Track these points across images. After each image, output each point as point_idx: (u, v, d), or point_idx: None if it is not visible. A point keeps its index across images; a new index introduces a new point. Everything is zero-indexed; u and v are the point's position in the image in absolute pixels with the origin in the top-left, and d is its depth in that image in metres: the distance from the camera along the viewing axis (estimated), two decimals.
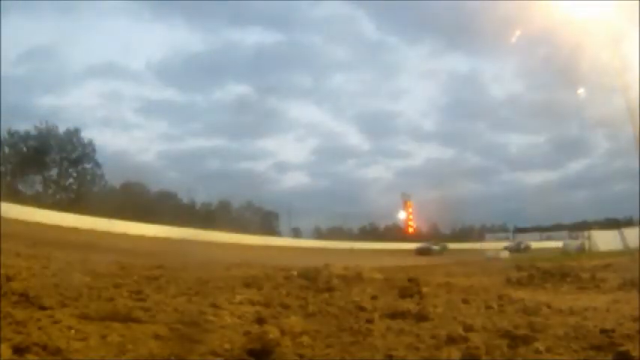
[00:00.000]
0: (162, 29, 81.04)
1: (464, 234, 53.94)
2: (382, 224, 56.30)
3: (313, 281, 6.29)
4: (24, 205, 24.97)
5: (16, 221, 18.44)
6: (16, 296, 3.28)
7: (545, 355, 2.64)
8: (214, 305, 3.83)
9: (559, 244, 31.48)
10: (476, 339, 2.82)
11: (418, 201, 52.26)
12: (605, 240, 25.79)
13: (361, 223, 53.54)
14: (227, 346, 2.61)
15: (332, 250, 31.66)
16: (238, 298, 4.47)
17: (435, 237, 49.14)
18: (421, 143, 76.81)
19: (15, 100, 44.21)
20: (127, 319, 2.94)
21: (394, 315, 3.84)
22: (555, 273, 9.15)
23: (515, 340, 2.81)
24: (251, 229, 39.11)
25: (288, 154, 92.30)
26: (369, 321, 3.50)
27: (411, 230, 51.51)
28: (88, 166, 41.43)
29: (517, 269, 10.99)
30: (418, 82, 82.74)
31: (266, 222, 48.29)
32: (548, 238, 44.24)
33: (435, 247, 39.27)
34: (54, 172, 40.28)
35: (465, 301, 5.01)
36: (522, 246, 39.50)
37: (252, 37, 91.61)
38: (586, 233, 28.90)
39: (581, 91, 24.44)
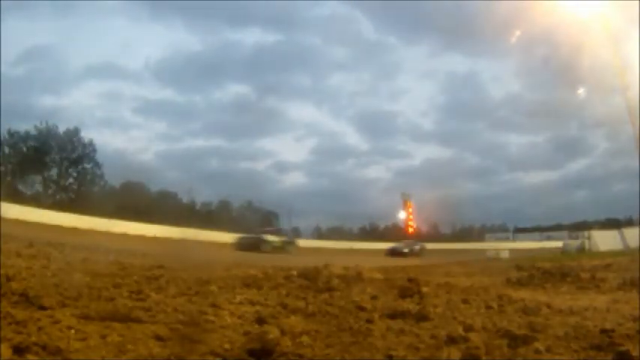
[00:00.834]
0: (161, 29, 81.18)
1: (464, 234, 53.91)
2: (382, 224, 56.32)
3: (313, 281, 6.28)
4: (24, 205, 24.97)
5: (16, 221, 18.43)
6: (16, 296, 3.28)
7: (545, 355, 2.64)
8: (214, 305, 3.83)
9: (559, 244, 31.45)
10: (476, 339, 2.82)
11: (418, 201, 52.32)
12: (605, 240, 25.78)
13: (361, 223, 53.60)
14: (227, 346, 2.62)
15: (332, 250, 31.64)
16: (238, 298, 4.47)
17: (435, 237, 49.10)
18: (420, 143, 76.91)
19: (14, 100, 44.28)
20: (127, 319, 2.94)
21: (394, 315, 3.84)
22: (555, 273, 9.16)
23: (515, 340, 2.82)
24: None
25: (288, 154, 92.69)
26: (369, 321, 3.50)
27: (411, 230, 51.50)
28: (88, 166, 41.50)
29: (517, 269, 11.00)
30: (417, 82, 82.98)
31: (266, 222, 48.26)
32: (548, 238, 44.19)
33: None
34: (54, 172, 40.35)
35: (465, 301, 5.01)
36: (416, 248, 34.24)
37: (251, 37, 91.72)
38: (586, 233, 28.90)
39: (581, 91, 24.47)
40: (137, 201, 33.65)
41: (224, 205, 46.12)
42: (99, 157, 41.44)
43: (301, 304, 4.37)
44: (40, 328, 2.48)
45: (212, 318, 3.33)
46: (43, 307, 3.05)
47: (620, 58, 21.13)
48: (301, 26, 77.21)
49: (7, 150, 37.84)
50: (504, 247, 32.84)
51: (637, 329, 3.15)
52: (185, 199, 44.81)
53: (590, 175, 59.40)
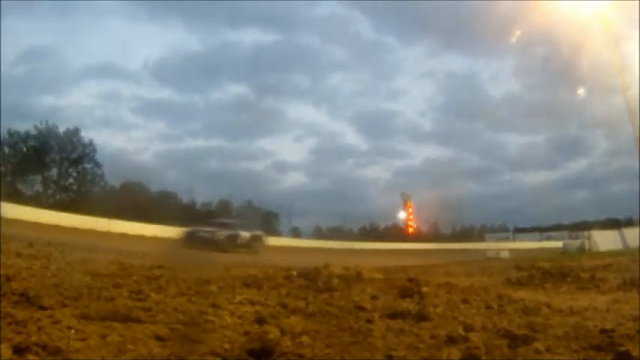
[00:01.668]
0: (159, 29, 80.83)
1: (464, 234, 53.88)
2: (382, 224, 56.27)
3: (313, 281, 6.28)
4: (24, 205, 24.98)
5: (16, 221, 18.45)
6: (16, 296, 3.28)
7: (545, 355, 2.64)
8: (214, 305, 3.84)
9: (559, 244, 31.44)
10: (476, 339, 2.82)
11: (418, 201, 52.31)
12: (605, 240, 25.78)
13: (361, 223, 53.47)
14: (227, 346, 2.62)
15: (332, 250, 31.64)
16: (238, 298, 4.47)
17: (435, 237, 49.11)
18: (420, 143, 76.74)
19: (13, 101, 44.30)
20: (127, 319, 2.95)
21: (394, 315, 3.84)
22: (555, 273, 9.16)
23: (515, 340, 2.82)
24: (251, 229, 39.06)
25: (287, 154, 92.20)
26: (369, 321, 3.50)
27: (411, 230, 51.52)
28: (88, 166, 41.44)
29: (517, 269, 11.00)
30: (416, 82, 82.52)
31: (266, 222, 48.28)
32: (548, 238, 44.18)
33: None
34: (54, 172, 40.23)
35: (465, 301, 5.01)
36: (240, 236, 22.17)
37: (250, 37, 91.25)
38: (586, 233, 28.90)
39: (580, 91, 24.48)
40: (137, 201, 33.64)
41: (224, 205, 46.07)
42: (98, 157, 41.48)
43: (301, 304, 4.36)
44: (40, 328, 2.48)
45: (212, 318, 3.33)
46: (43, 307, 3.05)
47: (620, 58, 21.14)
48: (300, 26, 77.20)
49: (7, 150, 37.84)
50: (504, 247, 32.81)
51: (637, 329, 3.15)
52: (185, 199, 44.81)
53: (590, 175, 59.42)
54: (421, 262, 17.65)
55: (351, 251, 32.77)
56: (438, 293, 5.72)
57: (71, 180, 41.10)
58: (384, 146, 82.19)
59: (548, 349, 2.72)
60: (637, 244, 21.24)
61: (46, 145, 39.34)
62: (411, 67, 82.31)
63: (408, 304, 4.50)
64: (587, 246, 26.40)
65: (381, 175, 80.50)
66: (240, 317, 3.51)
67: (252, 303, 4.25)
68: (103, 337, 2.51)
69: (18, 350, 2.11)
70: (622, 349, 2.57)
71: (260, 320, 3.36)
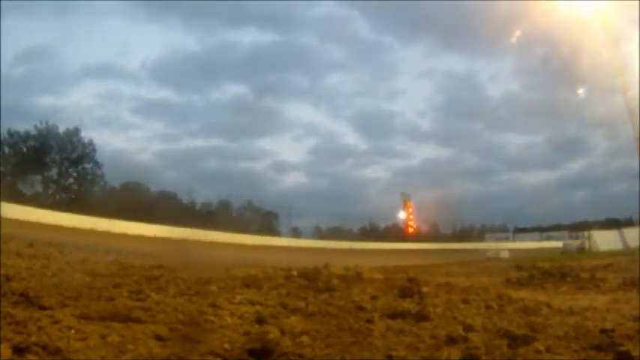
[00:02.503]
0: (158, 29, 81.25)
1: (464, 234, 53.88)
2: (382, 224, 56.26)
3: (313, 281, 6.29)
4: (24, 205, 24.97)
5: (16, 221, 18.44)
6: (16, 296, 3.29)
7: (545, 355, 2.64)
8: (214, 305, 3.84)
9: (559, 244, 31.44)
10: (476, 339, 2.82)
11: (418, 201, 52.34)
12: (605, 240, 25.78)
13: (361, 223, 53.46)
14: (227, 346, 2.62)
15: (332, 250, 31.64)
16: (238, 298, 4.47)
17: (435, 237, 49.11)
18: (419, 143, 76.77)
19: (13, 101, 44.29)
20: (127, 319, 2.95)
21: (394, 315, 3.84)
22: (555, 273, 9.17)
23: (515, 340, 2.81)
24: (251, 229, 39.10)
25: (287, 154, 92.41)
26: (369, 321, 3.50)
27: (411, 230, 51.54)
28: (88, 166, 41.48)
29: (517, 269, 11.00)
30: (415, 82, 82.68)
31: (266, 222, 48.26)
32: (548, 238, 44.17)
33: None
34: (54, 172, 40.29)
35: (465, 301, 5.01)
36: None
37: (249, 37, 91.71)
38: (586, 233, 28.90)
39: (580, 90, 24.47)
40: (137, 201, 33.65)
41: (224, 206, 46.04)
42: (98, 157, 41.50)
43: (301, 304, 4.37)
44: (40, 328, 2.48)
45: (212, 318, 3.33)
46: (43, 307, 3.05)
47: (620, 58, 21.12)
48: (299, 26, 77.26)
49: (7, 150, 37.84)
50: (504, 247, 32.82)
51: (637, 329, 3.15)
52: (185, 199, 44.80)
53: (590, 175, 59.40)
54: (421, 262, 17.66)
55: (351, 251, 32.76)
56: (438, 293, 5.72)
57: (71, 180, 41.17)
58: (383, 146, 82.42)
59: (548, 349, 2.71)
60: (637, 244, 21.23)
61: (46, 145, 39.36)
62: (410, 67, 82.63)
63: (408, 304, 4.50)
64: (587, 246, 26.40)
65: (381, 175, 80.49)
66: (240, 317, 3.51)
67: (252, 303, 4.26)
68: (103, 337, 2.51)
69: (18, 350, 2.11)
70: (622, 349, 2.57)
71: (260, 320, 3.36)
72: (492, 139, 72.69)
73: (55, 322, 2.64)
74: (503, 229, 56.70)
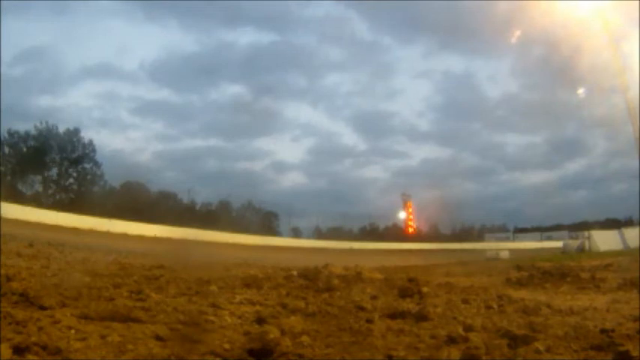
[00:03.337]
0: (156, 30, 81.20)
1: (464, 234, 53.87)
2: (382, 224, 56.25)
3: (313, 281, 6.29)
4: (24, 205, 24.97)
5: (16, 221, 18.43)
6: (16, 296, 3.28)
7: (545, 355, 2.64)
8: (214, 305, 3.84)
9: (559, 244, 31.41)
10: (476, 339, 2.82)
11: (417, 201, 52.38)
12: (605, 240, 25.74)
13: (361, 223, 53.46)
14: (227, 346, 2.62)
15: (332, 250, 31.63)
16: (238, 298, 4.47)
17: (435, 237, 49.06)
18: (418, 143, 76.90)
19: (12, 101, 44.24)
20: (127, 319, 2.95)
21: (394, 315, 3.85)
22: (555, 273, 9.16)
23: (515, 340, 2.82)
24: (251, 229, 39.09)
25: (285, 154, 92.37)
26: (369, 321, 3.50)
27: (411, 230, 51.58)
28: (87, 166, 41.50)
29: (517, 269, 10.99)
30: (413, 82, 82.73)
31: (266, 222, 48.27)
32: (548, 238, 44.15)
33: None
34: (54, 172, 40.34)
35: (465, 301, 5.01)
36: None
37: (246, 38, 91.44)
38: (586, 233, 28.86)
39: (580, 91, 24.46)
40: (137, 201, 33.66)
41: (224, 206, 46.04)
42: (97, 157, 41.52)
43: (301, 304, 4.37)
44: (40, 328, 2.48)
45: (212, 318, 3.33)
46: (43, 307, 3.05)
47: (620, 58, 21.12)
48: (296, 26, 77.24)
49: (7, 150, 37.86)
50: (504, 247, 32.78)
51: (637, 329, 3.15)
52: (185, 199, 44.81)
53: (590, 175, 59.34)
54: (421, 262, 17.65)
55: (351, 251, 32.75)
56: (438, 293, 5.72)
57: (71, 180, 41.20)
58: (382, 146, 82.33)
59: (548, 349, 2.72)
60: (637, 244, 21.23)
61: (46, 145, 39.38)
62: (407, 67, 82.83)
63: (408, 304, 4.51)
64: (587, 246, 26.35)
65: (380, 175, 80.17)
66: (240, 317, 3.51)
67: (252, 303, 4.26)
68: (103, 337, 2.51)
69: (18, 350, 2.11)
70: (622, 349, 2.57)
71: (260, 320, 3.36)
72: (492, 139, 72.71)
73: (55, 322, 2.64)
74: (503, 229, 56.73)
